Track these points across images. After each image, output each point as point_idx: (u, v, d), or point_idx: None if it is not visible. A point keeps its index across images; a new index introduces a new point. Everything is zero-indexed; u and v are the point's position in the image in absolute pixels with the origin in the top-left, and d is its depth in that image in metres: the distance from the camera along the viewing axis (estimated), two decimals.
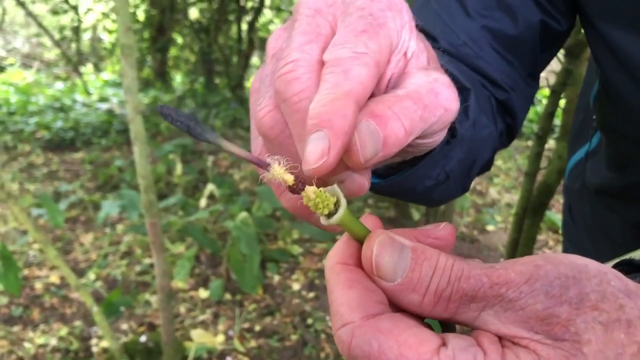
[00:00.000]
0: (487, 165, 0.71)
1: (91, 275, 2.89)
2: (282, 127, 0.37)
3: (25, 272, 2.90)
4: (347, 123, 0.32)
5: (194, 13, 7.55)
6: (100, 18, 6.83)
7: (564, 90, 1.60)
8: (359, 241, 0.35)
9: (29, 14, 5.96)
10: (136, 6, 7.35)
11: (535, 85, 0.75)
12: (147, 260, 3.04)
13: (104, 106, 6.00)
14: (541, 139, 1.68)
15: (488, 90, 0.68)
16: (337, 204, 0.33)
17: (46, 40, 7.39)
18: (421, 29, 0.70)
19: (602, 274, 0.32)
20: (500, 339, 0.32)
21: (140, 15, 7.39)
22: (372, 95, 0.39)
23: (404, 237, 0.34)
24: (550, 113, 1.64)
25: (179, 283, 2.82)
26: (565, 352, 0.29)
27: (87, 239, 3.30)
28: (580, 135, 0.94)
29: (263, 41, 7.25)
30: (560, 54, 1.66)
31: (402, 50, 0.38)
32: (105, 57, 8.02)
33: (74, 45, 6.63)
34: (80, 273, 2.92)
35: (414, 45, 0.39)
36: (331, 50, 0.35)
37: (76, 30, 6.28)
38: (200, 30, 7.40)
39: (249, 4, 6.94)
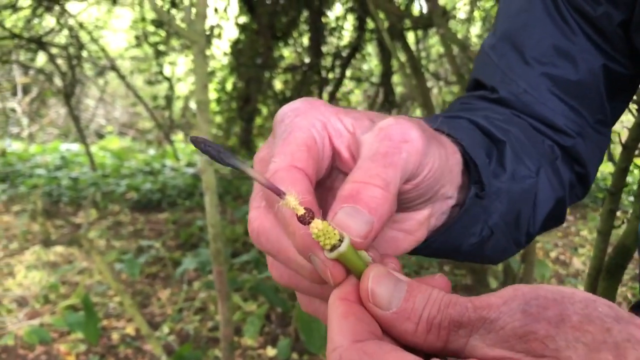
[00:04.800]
0: (555, 218, 0.69)
1: (165, 329, 2.96)
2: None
3: (105, 322, 3.02)
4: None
5: (278, 84, 7.87)
6: (192, 89, 7.27)
7: (637, 145, 1.55)
8: (360, 277, 0.37)
9: (128, 85, 6.43)
10: (225, 79, 7.78)
11: (607, 133, 0.74)
12: (219, 317, 3.09)
13: (191, 170, 6.29)
14: (614, 195, 1.61)
15: (551, 139, 0.68)
16: (342, 239, 0.35)
17: (142, 110, 7.91)
18: (479, 82, 0.72)
19: (590, 300, 0.32)
20: None
21: (229, 87, 7.79)
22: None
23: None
24: (623, 169, 1.58)
25: (248, 340, 2.84)
26: None
27: (165, 294, 3.40)
28: None
29: None
30: (633, 108, 1.62)
31: (334, 131, 0.42)
32: (195, 126, 8.45)
33: (166, 114, 7.06)
34: (156, 326, 3.00)
35: (348, 120, 0.42)
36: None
37: (168, 100, 6.71)
38: (283, 101, 7.68)
39: (331, 75, 7.17)
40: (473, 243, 0.58)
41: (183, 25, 1.80)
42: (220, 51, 7.05)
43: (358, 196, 0.36)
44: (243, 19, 7.00)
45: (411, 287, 0.35)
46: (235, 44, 7.15)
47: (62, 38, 5.87)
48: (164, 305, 3.26)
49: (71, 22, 5.68)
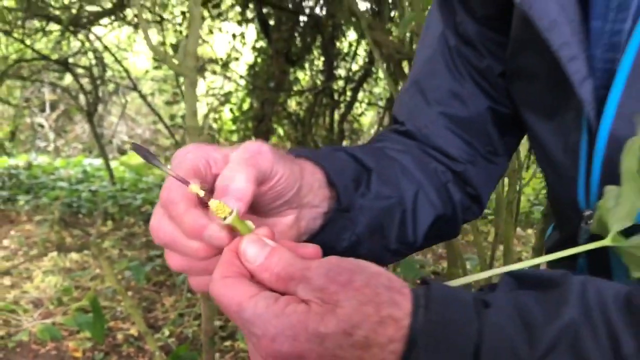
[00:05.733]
0: (442, 231, 0.83)
1: (166, 332, 3.21)
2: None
3: (111, 323, 3.28)
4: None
5: (292, 105, 8.13)
6: (209, 109, 7.58)
7: None
8: None
9: (148, 105, 6.76)
10: (242, 100, 8.11)
11: (499, 162, 0.87)
12: (217, 322, 3.33)
13: None
14: (546, 217, 1.83)
15: (445, 165, 0.82)
16: (231, 212, 0.49)
17: (162, 128, 8.24)
18: (395, 117, 0.89)
19: (377, 273, 0.46)
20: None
21: (245, 107, 8.10)
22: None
23: (275, 242, 0.50)
24: None
25: (241, 344, 3.07)
26: (323, 309, 0.44)
27: (169, 301, 3.65)
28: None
29: (353, 131, 7.67)
30: None
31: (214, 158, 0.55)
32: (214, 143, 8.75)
33: (183, 132, 7.37)
34: (158, 329, 3.25)
35: (225, 150, 0.55)
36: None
37: (184, 119, 7.02)
38: (297, 122, 7.94)
39: (342, 98, 7.41)
40: (345, 246, 0.70)
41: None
42: (237, 74, 7.35)
43: (228, 189, 0.49)
44: (260, 44, 7.31)
45: (273, 250, 0.48)
46: (252, 67, 7.48)
47: (87, 60, 6.20)
48: (168, 310, 3.51)
49: (96, 44, 6.02)
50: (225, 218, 0.48)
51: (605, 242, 0.66)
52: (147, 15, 5.32)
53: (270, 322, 0.44)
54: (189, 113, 1.96)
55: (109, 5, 5.13)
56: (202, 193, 0.48)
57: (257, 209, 0.58)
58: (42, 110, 9.15)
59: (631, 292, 0.45)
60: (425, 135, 0.83)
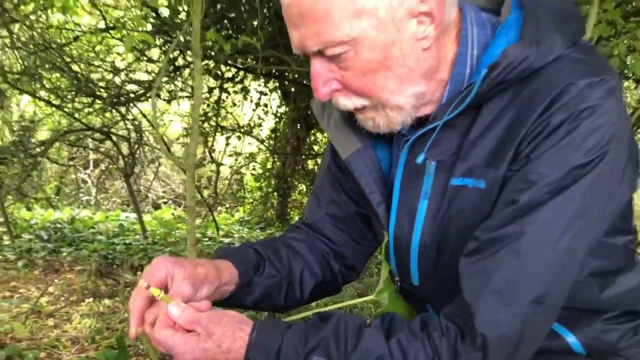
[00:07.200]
0: (323, 291, 1.16)
1: None
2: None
3: (133, 359, 3.92)
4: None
5: (310, 165, 8.76)
6: (232, 173, 8.31)
7: None
8: None
9: (178, 166, 7.50)
10: (267, 159, 8.82)
11: (368, 244, 1.17)
12: None
13: (226, 240, 7.23)
14: None
15: (328, 247, 1.14)
16: (159, 294, 0.87)
17: None
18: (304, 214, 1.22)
19: (234, 316, 0.82)
20: None
21: (268, 165, 8.80)
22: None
23: (186, 304, 0.85)
24: None
25: None
26: (205, 336, 0.80)
27: None
28: None
29: None
30: None
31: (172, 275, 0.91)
32: (236, 202, 9.41)
33: (209, 191, 8.09)
34: None
35: (179, 269, 0.91)
36: None
37: (210, 180, 7.74)
38: (314, 180, 8.53)
39: None
40: (249, 303, 1.06)
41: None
42: (258, 140, 8.08)
43: (174, 294, 0.88)
44: (283, 109, 8.06)
45: (185, 308, 0.83)
46: (274, 131, 8.23)
47: (125, 126, 6.98)
48: None
49: (134, 110, 6.80)
50: (158, 295, 0.88)
51: (371, 296, 1.28)
52: (175, 90, 6.11)
53: (182, 346, 0.81)
54: (189, 197, 2.64)
55: (145, 78, 5.94)
56: (145, 284, 0.88)
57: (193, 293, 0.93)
58: (86, 167, 10.03)
59: (365, 323, 0.82)
60: (317, 227, 1.16)
